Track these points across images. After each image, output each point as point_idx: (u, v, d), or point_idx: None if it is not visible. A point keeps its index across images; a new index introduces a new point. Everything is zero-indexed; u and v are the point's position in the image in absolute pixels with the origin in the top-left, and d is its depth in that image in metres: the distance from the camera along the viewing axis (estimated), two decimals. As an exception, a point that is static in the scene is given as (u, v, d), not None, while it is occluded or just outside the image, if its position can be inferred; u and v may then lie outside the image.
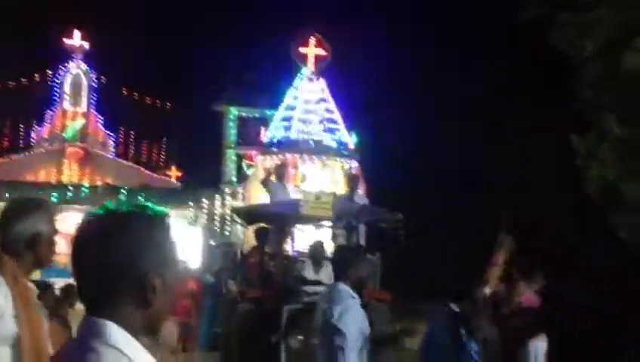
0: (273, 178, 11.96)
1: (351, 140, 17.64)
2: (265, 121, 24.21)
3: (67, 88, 26.79)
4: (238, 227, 17.72)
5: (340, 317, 4.12)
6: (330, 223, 9.17)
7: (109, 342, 1.44)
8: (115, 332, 1.45)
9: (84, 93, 27.11)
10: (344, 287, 4.31)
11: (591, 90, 16.07)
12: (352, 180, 11.05)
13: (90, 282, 1.51)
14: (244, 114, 27.74)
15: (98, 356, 1.42)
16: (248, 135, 27.19)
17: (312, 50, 18.26)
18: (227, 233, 20.58)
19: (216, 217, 21.70)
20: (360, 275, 4.44)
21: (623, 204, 15.06)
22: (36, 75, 26.36)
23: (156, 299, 1.50)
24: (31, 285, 2.83)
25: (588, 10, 15.97)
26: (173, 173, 26.92)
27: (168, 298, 1.55)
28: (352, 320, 4.15)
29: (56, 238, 2.91)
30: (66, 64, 26.86)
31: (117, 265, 1.48)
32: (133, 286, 1.48)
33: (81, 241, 1.52)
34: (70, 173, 25.09)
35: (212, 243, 17.70)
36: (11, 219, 2.81)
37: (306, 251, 8.77)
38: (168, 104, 27.56)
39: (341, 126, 17.82)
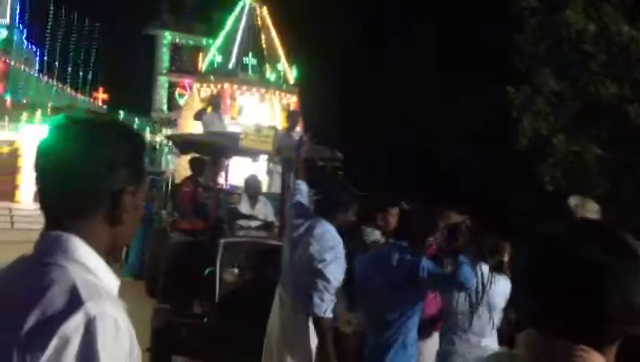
0: (209, 109, 11.56)
1: (291, 74, 17.25)
2: (201, 50, 23.40)
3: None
4: (169, 156, 17.27)
5: (329, 265, 4.08)
6: (266, 158, 8.94)
7: (72, 256, 1.35)
8: (81, 247, 1.36)
9: (9, 3, 25.37)
10: (331, 228, 4.22)
11: (530, 44, 16.30)
12: (291, 115, 10.81)
13: (59, 195, 1.39)
14: (179, 40, 26.72)
15: (62, 270, 1.32)
16: (183, 63, 26.30)
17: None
18: (156, 161, 20.04)
19: (145, 145, 21.06)
20: (348, 219, 4.39)
21: (552, 156, 15.54)
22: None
23: (127, 216, 1.42)
24: None
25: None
26: (100, 95, 25.82)
27: (136, 218, 1.46)
28: (340, 270, 4.11)
29: None
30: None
31: (92, 178, 1.37)
32: (106, 201, 1.39)
33: (53, 150, 1.39)
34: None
35: (143, 161, 17.19)
36: None
37: (241, 185, 8.56)
38: (97, 23, 26.18)
39: (282, 58, 17.37)
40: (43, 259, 1.35)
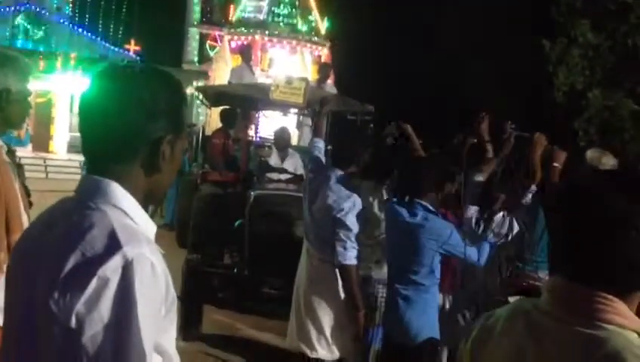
0: (239, 61, 11.51)
1: (323, 26, 17.02)
2: (233, 0, 23.22)
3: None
4: (200, 108, 17.33)
5: (347, 213, 4.10)
6: (296, 110, 8.93)
7: (111, 201, 1.38)
8: (120, 193, 1.40)
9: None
10: (344, 177, 4.26)
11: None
12: (322, 68, 10.73)
13: (99, 140, 1.42)
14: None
15: (102, 214, 1.35)
16: (214, 14, 26.09)
17: None
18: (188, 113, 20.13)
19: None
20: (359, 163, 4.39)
21: (587, 111, 15.22)
22: None
23: (164, 166, 1.44)
24: (0, 142, 2.70)
25: None
26: (132, 46, 25.83)
27: (173, 168, 1.48)
28: (356, 220, 4.13)
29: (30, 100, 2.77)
30: None
31: (131, 124, 1.40)
32: (146, 149, 1.42)
33: (95, 96, 1.42)
34: (25, 37, 23.91)
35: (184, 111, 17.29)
36: None
37: (271, 138, 8.58)
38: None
39: (314, 10, 17.13)
40: (83, 203, 1.38)
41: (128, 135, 1.40)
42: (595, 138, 14.77)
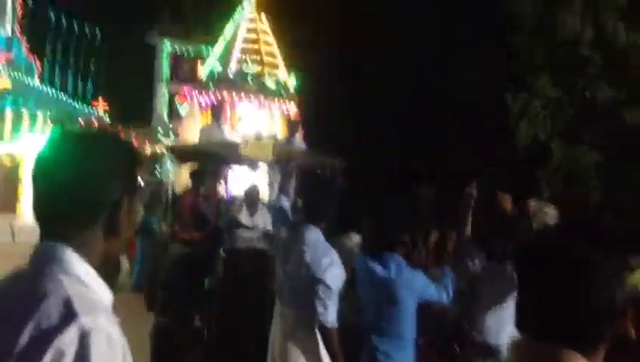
0: (209, 120, 11.60)
1: (291, 82, 17.29)
2: (201, 58, 23.46)
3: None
4: (169, 166, 17.31)
5: (326, 270, 3.97)
6: (266, 167, 8.98)
7: (67, 268, 1.36)
8: (76, 259, 1.38)
9: (8, 14, 25.46)
10: (319, 233, 4.20)
11: (527, 49, 16.35)
12: (291, 124, 10.85)
13: (55, 205, 1.40)
14: (178, 49, 26.80)
15: (57, 283, 1.33)
16: (183, 71, 26.36)
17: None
18: (157, 172, 20.05)
19: (145, 154, 21.10)
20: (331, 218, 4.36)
21: (550, 162, 15.57)
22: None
23: (122, 228, 1.43)
24: None
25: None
26: (101, 105, 25.85)
27: (130, 229, 1.48)
28: (338, 275, 4.03)
29: None
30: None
31: (89, 189, 1.39)
32: (104, 212, 1.41)
33: (51, 161, 1.41)
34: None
35: (140, 181, 17.25)
36: None
37: (241, 194, 8.60)
38: (98, 32, 26.23)
39: (281, 66, 17.41)
40: (38, 271, 1.36)
41: (86, 200, 1.39)
42: (559, 188, 15.07)
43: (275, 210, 4.73)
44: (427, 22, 20.83)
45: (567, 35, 15.50)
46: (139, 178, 1.51)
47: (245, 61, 16.72)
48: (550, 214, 4.01)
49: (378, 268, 3.91)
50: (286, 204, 4.70)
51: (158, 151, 20.70)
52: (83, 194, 1.38)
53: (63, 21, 26.06)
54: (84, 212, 1.40)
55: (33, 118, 21.76)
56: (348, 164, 9.21)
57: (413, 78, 20.46)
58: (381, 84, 22.13)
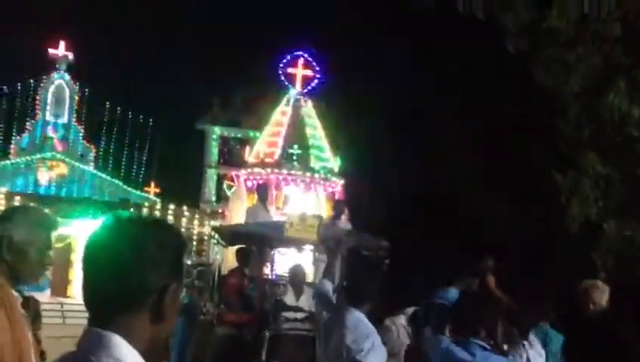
0: (255, 201, 11.77)
1: (336, 164, 17.51)
2: (248, 142, 24.10)
3: (49, 98, 26.48)
4: (216, 247, 17.46)
5: (367, 354, 3.93)
6: (312, 247, 8.98)
7: (114, 355, 1.36)
8: (123, 346, 1.38)
9: (66, 104, 26.82)
10: (362, 316, 4.15)
11: (573, 128, 16.24)
12: (336, 204, 10.91)
13: (104, 291, 1.42)
14: (227, 134, 27.66)
15: None
16: (230, 155, 27.07)
17: (299, 70, 18.21)
18: (204, 252, 20.26)
19: (194, 236, 21.41)
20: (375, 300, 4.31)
21: (604, 242, 15.12)
22: (19, 84, 26.03)
23: (168, 314, 1.43)
24: (15, 294, 2.57)
25: (571, 47, 16.20)
26: (152, 189, 26.57)
27: (175, 314, 1.48)
28: (380, 358, 3.99)
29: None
30: (49, 74, 26.57)
31: (137, 275, 1.41)
32: (150, 298, 1.41)
33: (100, 247, 1.44)
34: (49, 184, 24.71)
35: (188, 262, 17.40)
36: (2, 227, 2.62)
37: (286, 275, 8.58)
38: (151, 120, 27.31)
39: (326, 148, 17.70)
40: (85, 358, 1.37)
41: (133, 285, 1.41)
42: (614, 269, 14.55)
43: (317, 292, 4.71)
44: (476, 110, 20.94)
45: (614, 116, 15.39)
46: (183, 263, 1.51)
47: (291, 144, 17.08)
48: (604, 292, 3.96)
49: (463, 354, 3.77)
50: (328, 286, 4.68)
51: (206, 232, 20.96)
52: (130, 280, 1.40)
53: (117, 109, 27.22)
54: (131, 297, 1.40)
55: (86, 202, 22.47)
56: (394, 245, 9.13)
57: (460, 160, 20.45)
58: (424, 164, 22.16)
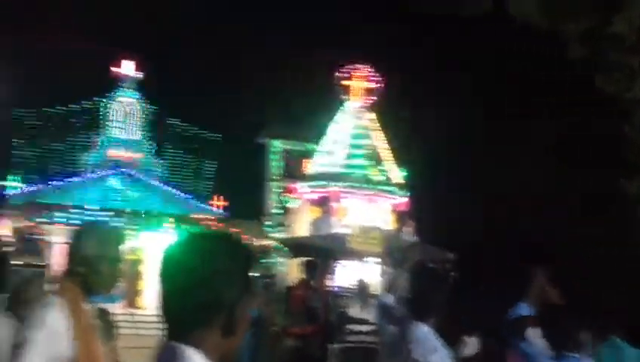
0: (318, 213, 11.86)
1: (400, 175, 17.44)
2: (309, 154, 24.33)
3: (118, 116, 27.43)
4: (280, 259, 17.63)
5: None
6: (375, 259, 8.98)
7: None
8: (196, 359, 1.43)
9: (135, 121, 27.71)
10: (428, 330, 4.08)
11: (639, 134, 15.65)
12: (400, 216, 10.88)
13: (180, 305, 1.48)
14: (288, 147, 28.01)
15: None
16: (291, 168, 27.35)
17: (359, 82, 18.27)
18: (268, 265, 20.49)
19: (257, 249, 21.68)
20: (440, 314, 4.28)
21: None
22: (89, 102, 27.04)
23: (239, 328, 1.49)
24: (91, 308, 2.78)
25: (635, 52, 15.62)
26: (216, 202, 27.08)
27: (245, 328, 1.53)
28: None
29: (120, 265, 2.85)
30: (119, 92, 27.54)
31: (212, 290, 1.46)
32: (223, 312, 1.47)
33: (174, 262, 1.50)
34: (118, 198, 25.53)
35: (254, 274, 17.62)
36: (74, 242, 2.80)
37: (350, 287, 8.60)
38: (217, 135, 27.91)
39: (389, 160, 17.65)
40: None
41: (208, 302, 1.46)
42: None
43: (380, 305, 4.70)
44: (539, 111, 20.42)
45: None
46: (252, 278, 1.55)
47: (353, 156, 17.11)
48: None
49: None
50: (390, 299, 4.67)
51: (269, 244, 21.22)
52: (204, 295, 1.45)
53: (182, 126, 27.92)
54: (205, 312, 1.46)
55: (154, 215, 23.09)
56: (461, 257, 9.04)
57: (528, 167, 19.95)
58: (492, 177, 21.72)
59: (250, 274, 1.55)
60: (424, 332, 4.10)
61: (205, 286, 1.45)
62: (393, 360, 4.26)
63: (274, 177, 27.49)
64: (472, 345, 5.13)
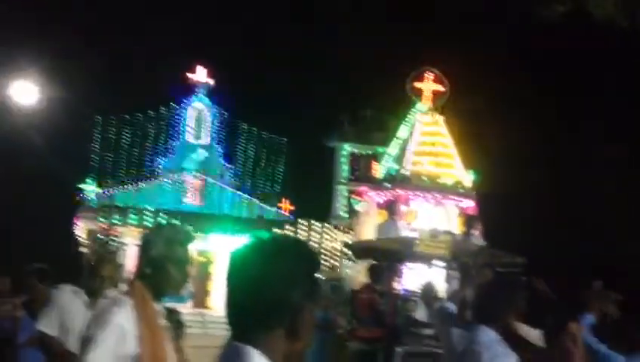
0: (385, 216, 11.78)
1: (468, 178, 17.13)
2: (377, 157, 24.23)
3: (191, 121, 28.13)
4: (347, 262, 17.64)
5: None
6: (442, 263, 8.83)
7: None
8: (257, 359, 1.45)
9: (207, 126, 28.34)
10: (495, 335, 3.97)
11: None
12: (468, 220, 10.67)
13: (245, 307, 1.51)
14: (356, 150, 28.00)
15: None
16: (359, 171, 27.33)
17: (428, 85, 18.06)
18: (336, 268, 20.53)
19: (325, 251, 21.77)
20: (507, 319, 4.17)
21: None
22: (163, 108, 27.85)
23: (303, 332, 1.50)
24: (159, 307, 2.82)
25: None
26: (285, 206, 27.34)
27: (310, 332, 1.54)
28: None
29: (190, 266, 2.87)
30: (191, 99, 28.25)
31: (277, 293, 1.48)
32: (287, 316, 1.49)
33: (240, 264, 1.54)
34: (190, 201, 26.20)
35: (321, 277, 17.69)
36: (143, 244, 2.85)
37: (416, 290, 8.49)
38: (284, 139, 28.18)
39: (457, 163, 17.37)
40: None
41: (273, 305, 1.48)
42: None
43: (440, 310, 4.63)
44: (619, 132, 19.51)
45: None
46: (317, 283, 1.57)
47: (420, 161, 16.93)
48: None
49: None
50: (452, 307, 4.59)
51: (337, 247, 21.26)
52: (268, 297, 1.47)
53: (251, 130, 28.34)
54: (269, 314, 1.48)
55: (225, 218, 23.57)
56: (530, 262, 8.78)
57: (601, 181, 19.19)
58: (563, 182, 21.03)
59: (315, 277, 1.56)
60: (491, 336, 4.00)
61: (269, 288, 1.47)
62: None
63: (342, 180, 27.56)
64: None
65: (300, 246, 1.59)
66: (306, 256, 1.56)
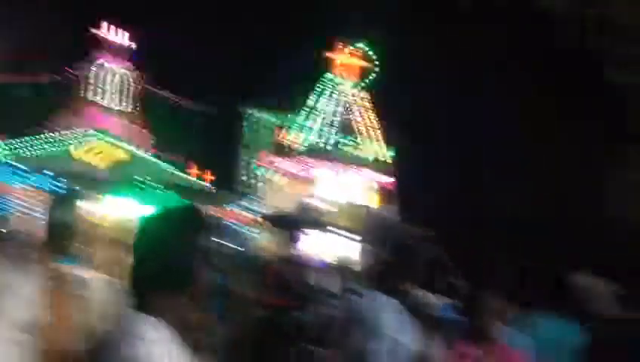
0: (295, 185, 11.56)
1: (387, 154, 17.17)
2: (286, 126, 24.00)
3: (109, 86, 27.42)
4: (257, 231, 17.38)
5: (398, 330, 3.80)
6: (356, 235, 8.77)
7: (144, 336, 1.53)
8: (153, 326, 1.55)
9: (131, 94, 27.76)
10: (384, 298, 3.93)
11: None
12: (384, 194, 10.65)
13: (141, 274, 1.63)
14: (264, 117, 27.61)
15: (134, 349, 1.51)
16: (268, 139, 27.14)
17: (343, 57, 17.83)
18: (245, 237, 20.26)
19: (233, 220, 21.52)
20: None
21: None
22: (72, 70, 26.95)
23: (199, 294, 1.61)
24: (66, 271, 3.10)
25: None
26: (208, 176, 26.93)
27: (205, 295, 1.63)
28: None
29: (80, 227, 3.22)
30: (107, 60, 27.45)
31: (167, 259, 1.58)
32: (182, 280, 1.59)
33: (139, 234, 1.65)
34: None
35: (229, 245, 17.45)
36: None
37: (330, 261, 8.49)
38: (193, 103, 27.84)
39: (377, 137, 17.37)
40: (122, 336, 1.56)
41: (165, 269, 1.61)
42: None
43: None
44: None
45: None
46: (221, 244, 1.71)
47: (337, 130, 16.83)
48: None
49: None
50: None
51: (247, 216, 20.99)
52: (160, 262, 1.59)
53: (166, 96, 27.82)
54: (164, 280, 1.59)
55: (141, 185, 23.13)
56: (440, 236, 8.83)
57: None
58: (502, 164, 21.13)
59: (209, 243, 1.65)
60: (382, 301, 3.89)
61: (161, 254, 1.59)
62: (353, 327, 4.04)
63: (249, 147, 27.15)
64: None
65: (195, 212, 1.69)
66: (199, 222, 1.66)
